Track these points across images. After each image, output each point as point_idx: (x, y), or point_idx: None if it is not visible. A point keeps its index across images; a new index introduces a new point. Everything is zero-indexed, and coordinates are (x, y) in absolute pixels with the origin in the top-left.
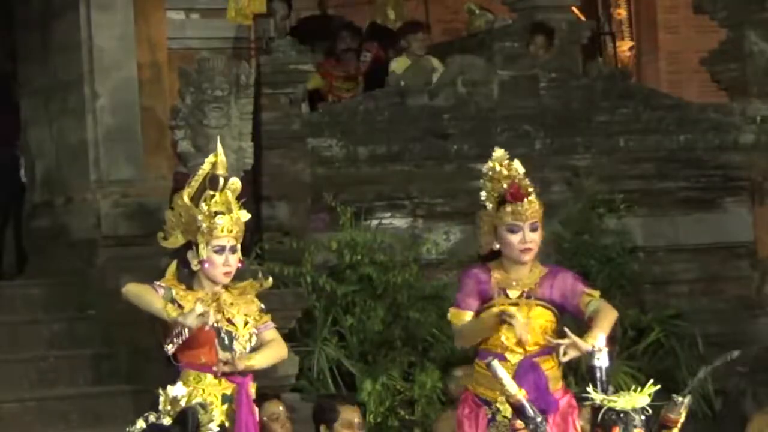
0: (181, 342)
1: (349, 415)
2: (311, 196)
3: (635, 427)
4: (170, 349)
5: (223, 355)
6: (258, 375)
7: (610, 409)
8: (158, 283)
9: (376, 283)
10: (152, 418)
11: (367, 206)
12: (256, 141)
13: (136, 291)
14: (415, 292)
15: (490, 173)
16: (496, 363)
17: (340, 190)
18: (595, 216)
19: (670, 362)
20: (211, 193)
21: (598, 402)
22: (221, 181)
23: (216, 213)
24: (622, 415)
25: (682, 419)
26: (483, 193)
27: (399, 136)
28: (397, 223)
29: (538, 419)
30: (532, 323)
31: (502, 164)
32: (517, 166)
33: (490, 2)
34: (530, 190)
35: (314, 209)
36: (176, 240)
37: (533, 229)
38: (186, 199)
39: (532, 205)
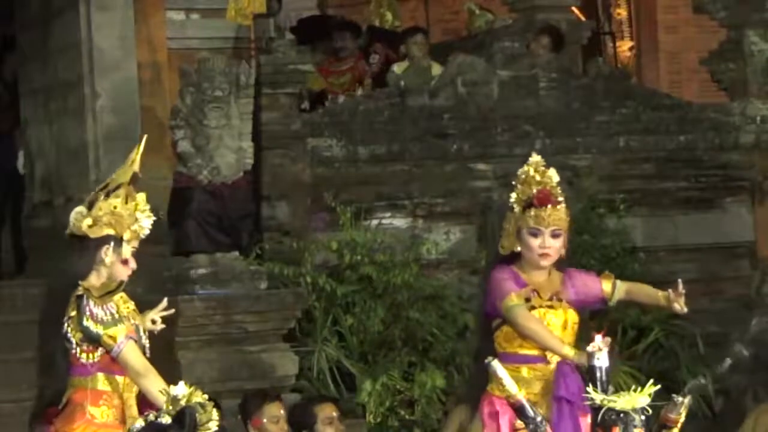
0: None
1: (327, 411)
2: (311, 196)
3: (635, 427)
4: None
5: None
6: (254, 375)
7: (610, 409)
8: (105, 303)
9: (376, 283)
10: (152, 416)
11: (367, 206)
12: (256, 141)
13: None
14: (415, 292)
15: (523, 176)
16: (496, 362)
17: (340, 190)
18: (595, 216)
19: (670, 362)
20: (135, 193)
21: (598, 402)
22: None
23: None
24: (622, 415)
25: (682, 419)
26: (513, 195)
27: (399, 136)
28: (397, 223)
29: (538, 419)
30: (569, 326)
31: (537, 170)
32: (552, 174)
33: (490, 2)
34: (560, 198)
35: (314, 209)
36: (101, 230)
37: (554, 236)
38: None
39: (556, 213)
